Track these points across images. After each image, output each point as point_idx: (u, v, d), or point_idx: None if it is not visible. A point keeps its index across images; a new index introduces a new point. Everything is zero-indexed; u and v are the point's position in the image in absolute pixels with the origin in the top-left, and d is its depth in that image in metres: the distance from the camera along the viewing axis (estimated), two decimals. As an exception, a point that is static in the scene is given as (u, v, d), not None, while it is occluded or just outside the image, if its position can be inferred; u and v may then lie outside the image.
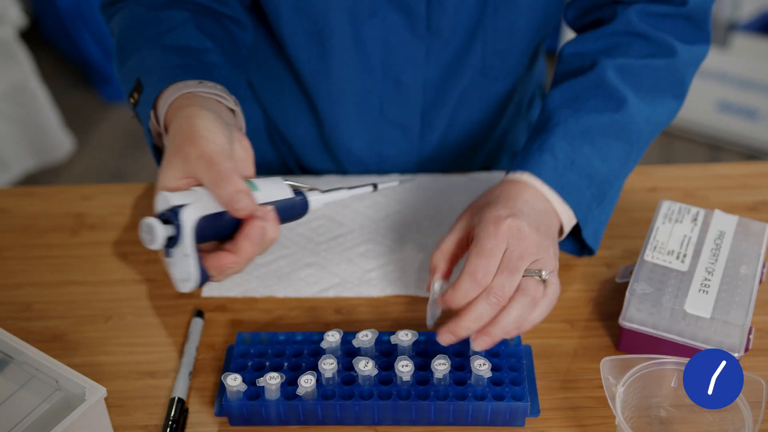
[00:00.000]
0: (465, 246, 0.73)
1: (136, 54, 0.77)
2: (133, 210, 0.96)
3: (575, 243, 0.84)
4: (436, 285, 0.71)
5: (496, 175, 0.98)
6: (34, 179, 2.51)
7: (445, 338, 0.68)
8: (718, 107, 2.58)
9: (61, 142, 2.50)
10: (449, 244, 0.72)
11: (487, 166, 1.05)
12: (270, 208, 0.64)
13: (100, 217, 0.95)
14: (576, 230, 0.82)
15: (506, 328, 0.67)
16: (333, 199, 0.71)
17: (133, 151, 2.64)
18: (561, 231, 0.77)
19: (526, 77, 0.99)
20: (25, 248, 0.91)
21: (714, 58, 2.50)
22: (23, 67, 2.38)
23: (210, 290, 0.84)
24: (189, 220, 0.59)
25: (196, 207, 0.60)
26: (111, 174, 2.55)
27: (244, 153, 0.68)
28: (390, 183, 0.76)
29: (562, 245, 0.83)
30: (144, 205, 0.96)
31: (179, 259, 0.61)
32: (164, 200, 0.61)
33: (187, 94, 0.70)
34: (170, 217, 0.60)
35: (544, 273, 0.68)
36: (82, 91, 2.92)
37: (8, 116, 2.38)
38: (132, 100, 0.76)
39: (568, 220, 0.76)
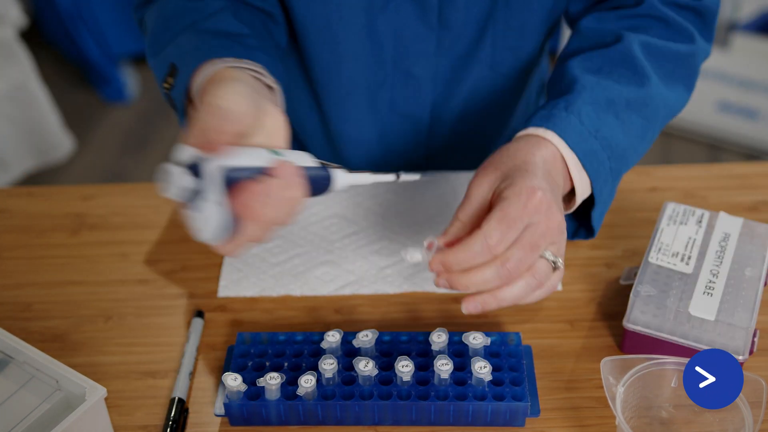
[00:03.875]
0: (485, 213, 0.67)
1: (172, 42, 0.75)
2: (133, 210, 0.96)
3: (570, 223, 0.81)
4: (418, 253, 0.66)
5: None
6: (34, 179, 2.51)
7: (440, 281, 0.64)
8: (718, 107, 2.58)
9: (61, 142, 2.50)
10: (470, 212, 0.68)
11: None
12: (286, 164, 0.58)
13: (100, 217, 0.95)
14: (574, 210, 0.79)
15: (503, 302, 0.64)
16: (357, 180, 0.67)
17: (133, 151, 2.64)
18: (572, 202, 0.75)
19: (534, 72, 0.99)
20: (25, 248, 0.91)
21: (714, 58, 2.50)
22: (23, 67, 2.38)
23: (226, 290, 0.84)
24: (213, 167, 0.55)
25: (221, 159, 0.56)
26: (111, 174, 2.55)
27: (275, 124, 0.63)
28: (412, 176, 0.71)
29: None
30: (144, 205, 0.96)
31: (204, 207, 0.55)
32: (186, 152, 0.56)
33: (224, 69, 0.68)
34: (193, 166, 0.55)
35: (560, 261, 0.65)
36: (82, 91, 2.92)
37: (8, 116, 2.37)
38: (166, 86, 0.73)
39: (582, 191, 0.74)
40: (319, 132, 1.00)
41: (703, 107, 2.59)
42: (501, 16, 0.88)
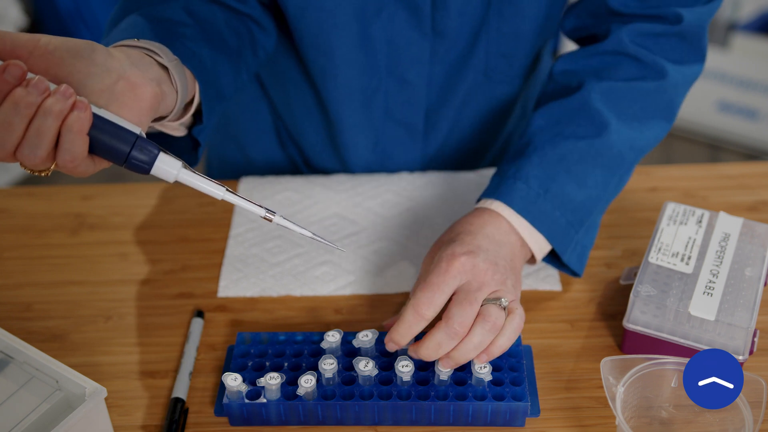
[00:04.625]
0: None
1: (117, 26, 0.74)
2: (133, 210, 0.96)
3: (562, 265, 0.83)
4: (369, 333, 0.72)
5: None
6: (34, 179, 2.51)
7: (391, 346, 0.70)
8: (718, 107, 2.58)
9: (61, 142, 2.50)
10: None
11: (492, 168, 1.05)
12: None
13: (100, 217, 0.95)
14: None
15: (468, 354, 0.68)
16: (195, 182, 0.61)
17: (133, 151, 2.63)
18: (534, 259, 0.79)
19: (532, 79, 0.99)
20: (25, 248, 0.91)
21: (714, 58, 2.50)
22: (23, 67, 2.38)
23: (226, 290, 0.84)
24: None
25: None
26: (111, 174, 2.54)
27: (129, 94, 0.61)
28: (284, 221, 0.64)
29: (556, 267, 0.83)
30: (144, 205, 0.96)
31: None
32: None
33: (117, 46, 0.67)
34: None
35: (503, 300, 0.68)
36: (82, 91, 2.91)
37: (8, 116, 2.37)
38: None
39: (540, 248, 0.77)
40: (318, 137, 1.00)
41: (703, 107, 2.60)
42: (494, 23, 0.88)
